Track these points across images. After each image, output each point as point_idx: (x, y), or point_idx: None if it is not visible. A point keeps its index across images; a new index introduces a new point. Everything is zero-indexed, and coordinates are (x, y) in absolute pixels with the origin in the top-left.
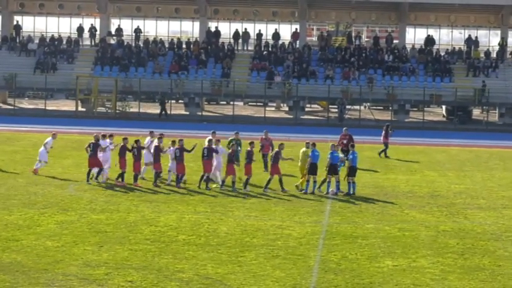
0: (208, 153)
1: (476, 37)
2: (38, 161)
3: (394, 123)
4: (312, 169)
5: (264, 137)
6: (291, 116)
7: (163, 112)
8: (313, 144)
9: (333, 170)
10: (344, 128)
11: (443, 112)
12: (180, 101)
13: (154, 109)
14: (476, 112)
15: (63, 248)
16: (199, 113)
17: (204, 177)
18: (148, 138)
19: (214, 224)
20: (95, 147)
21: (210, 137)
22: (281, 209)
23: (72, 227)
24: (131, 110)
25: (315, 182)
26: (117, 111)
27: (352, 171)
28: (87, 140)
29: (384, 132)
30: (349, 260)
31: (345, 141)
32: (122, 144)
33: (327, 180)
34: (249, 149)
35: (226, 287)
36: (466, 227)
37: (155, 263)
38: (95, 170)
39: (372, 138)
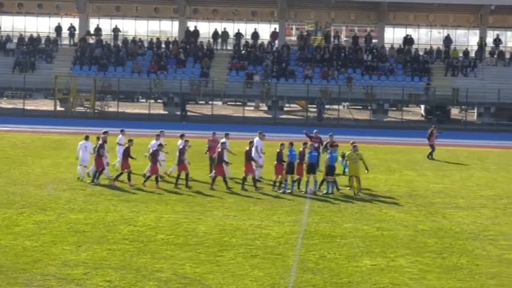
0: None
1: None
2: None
3: (373, 123)
4: (290, 168)
5: (211, 138)
6: (270, 116)
7: (183, 113)
8: (291, 144)
9: (311, 169)
10: (315, 131)
11: (422, 112)
12: (158, 101)
13: (133, 109)
14: (454, 111)
15: (42, 247)
16: (178, 113)
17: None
18: (180, 141)
19: (193, 223)
20: (100, 148)
21: (224, 139)
22: (260, 209)
23: (51, 226)
24: (110, 109)
25: (293, 181)
26: (96, 110)
27: (330, 171)
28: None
29: (428, 134)
30: (328, 260)
31: (316, 145)
32: (126, 145)
33: (325, 179)
34: (247, 148)
35: (205, 286)
36: (444, 227)
37: (133, 263)
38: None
39: (350, 137)
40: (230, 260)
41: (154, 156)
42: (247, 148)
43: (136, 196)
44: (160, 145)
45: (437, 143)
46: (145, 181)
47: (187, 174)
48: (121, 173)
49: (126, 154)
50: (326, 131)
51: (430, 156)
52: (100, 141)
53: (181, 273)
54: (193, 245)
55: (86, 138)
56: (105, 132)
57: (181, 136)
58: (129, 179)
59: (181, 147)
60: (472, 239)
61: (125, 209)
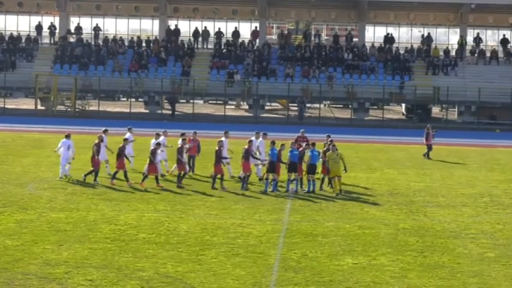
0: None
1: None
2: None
3: (354, 122)
4: (271, 167)
5: (191, 138)
6: (251, 114)
7: (173, 111)
8: (273, 142)
9: (292, 167)
10: (301, 130)
11: (403, 110)
12: (139, 100)
13: (113, 107)
14: (435, 110)
15: (23, 247)
16: (159, 111)
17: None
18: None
19: (175, 222)
20: (95, 146)
21: (223, 138)
22: (241, 208)
23: (32, 225)
24: (91, 108)
25: (274, 180)
26: (77, 109)
27: (311, 169)
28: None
29: (425, 134)
30: (309, 258)
31: (303, 144)
32: (122, 144)
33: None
34: (246, 147)
35: (187, 285)
36: (425, 225)
37: (115, 262)
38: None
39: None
40: (212, 259)
41: (153, 155)
42: (246, 147)
43: (117, 195)
44: (158, 144)
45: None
46: (142, 180)
47: (184, 173)
48: (116, 172)
49: (121, 153)
50: (308, 130)
51: (427, 155)
52: (97, 140)
53: (163, 272)
54: (175, 244)
55: (67, 136)
56: (105, 131)
57: (182, 135)
58: (126, 177)
59: (179, 146)
60: (453, 237)
61: (106, 208)
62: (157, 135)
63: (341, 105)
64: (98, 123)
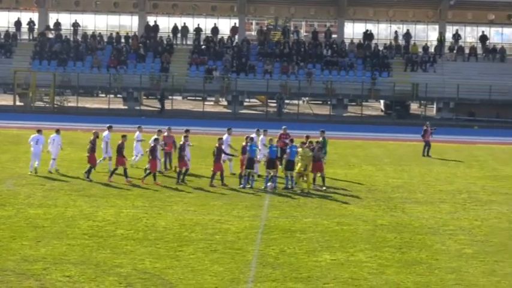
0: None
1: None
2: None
3: (332, 118)
4: (250, 163)
5: (166, 134)
6: (230, 111)
7: (162, 107)
8: (251, 139)
9: (271, 164)
10: (283, 127)
11: (382, 107)
12: (118, 96)
13: (92, 103)
14: (414, 106)
15: (1, 243)
16: (138, 108)
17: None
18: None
19: (153, 218)
20: (93, 144)
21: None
22: (220, 204)
23: (10, 222)
24: (69, 104)
25: (252, 176)
26: (55, 105)
27: (289, 165)
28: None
29: (423, 131)
30: (288, 254)
31: (286, 141)
32: (120, 141)
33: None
34: (217, 145)
35: (165, 281)
36: (403, 221)
37: (93, 258)
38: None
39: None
40: (190, 255)
41: (153, 152)
42: (217, 144)
43: (95, 191)
44: (156, 139)
45: (432, 139)
46: (144, 177)
47: (186, 170)
48: (115, 169)
49: (120, 150)
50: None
51: (427, 153)
52: (92, 137)
53: (141, 268)
54: (153, 240)
55: (38, 131)
56: (109, 127)
57: (186, 131)
58: (125, 174)
59: (181, 143)
60: (431, 233)
61: (84, 204)
62: (159, 132)
63: (320, 102)
64: (77, 119)
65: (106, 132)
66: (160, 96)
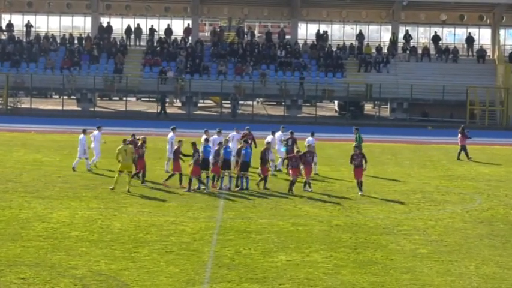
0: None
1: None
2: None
3: (287, 119)
4: (204, 165)
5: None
6: (184, 112)
7: (162, 111)
8: (246, 141)
9: (226, 165)
10: (247, 127)
11: (336, 107)
12: (72, 97)
13: (46, 105)
14: (368, 107)
15: None
16: (92, 109)
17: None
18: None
19: (108, 220)
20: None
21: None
22: (175, 205)
23: None
24: (23, 106)
25: (207, 177)
26: (9, 107)
27: (244, 166)
28: None
29: (460, 134)
30: (243, 255)
31: (249, 141)
32: (177, 146)
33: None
34: (176, 147)
35: (120, 283)
36: (358, 222)
37: (48, 260)
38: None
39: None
40: (145, 256)
41: (176, 154)
42: (176, 146)
43: (50, 193)
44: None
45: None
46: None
47: (181, 174)
48: (172, 174)
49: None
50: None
51: (466, 156)
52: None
53: (97, 270)
54: (108, 242)
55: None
56: (98, 127)
57: (173, 129)
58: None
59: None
60: (386, 233)
61: (38, 206)
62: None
63: (274, 102)
64: (30, 120)
65: (96, 132)
66: (162, 99)
